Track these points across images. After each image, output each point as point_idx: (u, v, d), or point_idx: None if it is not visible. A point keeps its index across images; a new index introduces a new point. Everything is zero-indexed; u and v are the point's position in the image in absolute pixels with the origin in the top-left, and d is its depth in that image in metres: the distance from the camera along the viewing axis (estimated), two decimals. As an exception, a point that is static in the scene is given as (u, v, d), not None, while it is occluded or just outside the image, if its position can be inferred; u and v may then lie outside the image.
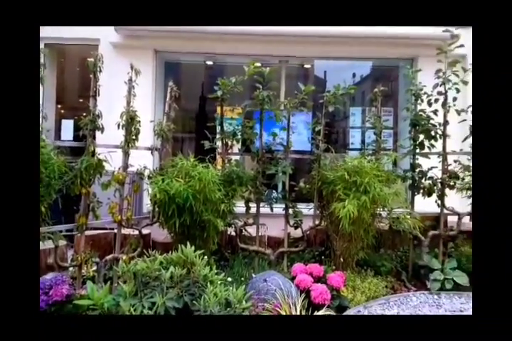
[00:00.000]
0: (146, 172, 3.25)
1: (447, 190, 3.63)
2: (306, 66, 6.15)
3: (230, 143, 3.63)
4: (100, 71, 2.90)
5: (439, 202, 3.64)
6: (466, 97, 4.12)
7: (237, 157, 3.85)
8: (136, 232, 3.23)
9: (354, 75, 6.39)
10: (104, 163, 2.83)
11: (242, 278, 3.10)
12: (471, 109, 3.53)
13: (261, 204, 3.60)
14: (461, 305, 3.12)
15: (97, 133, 2.92)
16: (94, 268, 2.96)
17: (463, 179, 3.70)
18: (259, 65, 3.49)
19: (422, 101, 3.69)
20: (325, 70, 6.32)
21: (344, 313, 2.79)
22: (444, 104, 3.59)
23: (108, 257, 2.91)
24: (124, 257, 2.84)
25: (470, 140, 3.68)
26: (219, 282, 2.35)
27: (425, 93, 3.66)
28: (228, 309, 2.18)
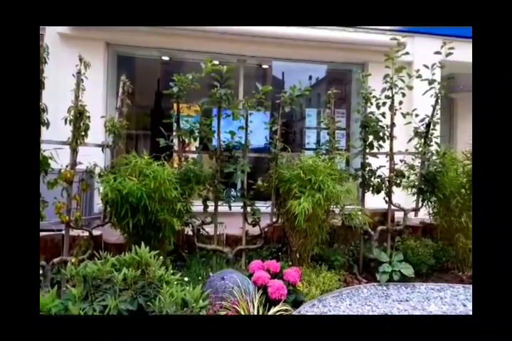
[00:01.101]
0: (97, 171, 3.10)
1: (394, 188, 3.88)
2: (264, 66, 6.23)
3: (187, 140, 3.57)
4: (45, 62, 2.71)
5: (386, 198, 3.88)
6: (411, 101, 4.44)
7: (195, 155, 3.80)
8: (86, 234, 3.06)
9: (310, 77, 6.59)
10: (49, 161, 2.66)
11: (200, 278, 3.07)
12: (415, 112, 3.85)
13: (219, 203, 3.58)
14: (407, 294, 3.34)
15: (42, 129, 2.73)
16: (40, 272, 2.76)
17: (408, 177, 3.97)
18: (216, 62, 3.47)
19: (372, 104, 3.89)
20: (282, 71, 6.46)
21: (299, 307, 2.88)
22: (391, 107, 3.82)
23: (55, 260, 2.73)
24: (73, 260, 2.69)
25: (414, 141, 3.98)
26: (175, 282, 2.30)
27: (374, 96, 3.87)
28: (185, 309, 2.15)
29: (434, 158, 3.87)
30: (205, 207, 3.56)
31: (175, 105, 3.58)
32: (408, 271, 3.55)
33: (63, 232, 2.89)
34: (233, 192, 3.99)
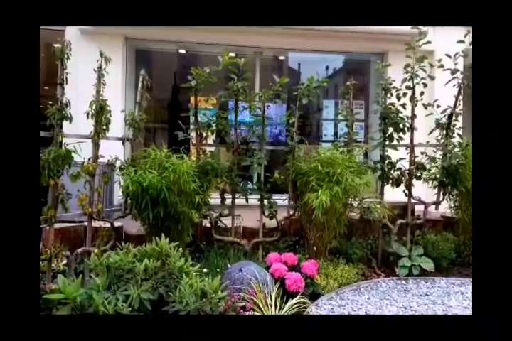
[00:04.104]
0: (118, 164, 3.16)
1: (414, 181, 3.80)
2: (280, 58, 6.15)
3: (204, 134, 3.59)
4: (68, 58, 2.77)
5: (406, 192, 3.80)
6: (432, 92, 4.31)
7: (212, 148, 3.82)
8: (108, 225, 3.15)
9: (327, 68, 6.48)
10: (72, 154, 2.73)
11: (218, 269, 3.11)
12: (437, 103, 3.73)
13: (236, 196, 3.61)
14: (426, 289, 3.30)
15: (65, 123, 2.80)
16: (65, 261, 2.87)
17: (429, 170, 3.88)
18: (233, 55, 3.46)
19: (391, 95, 3.80)
20: (299, 62, 6.37)
21: (317, 300, 2.88)
22: (412, 98, 3.72)
23: (79, 250, 2.83)
24: (96, 250, 2.77)
25: (435, 133, 3.87)
26: (194, 273, 2.34)
27: (394, 87, 3.77)
28: (204, 299, 2.19)
29: (456, 150, 3.76)
30: (223, 199, 3.60)
31: (192, 98, 3.59)
32: (428, 265, 3.50)
33: (85, 223, 2.98)
34: (250, 185, 3.99)
